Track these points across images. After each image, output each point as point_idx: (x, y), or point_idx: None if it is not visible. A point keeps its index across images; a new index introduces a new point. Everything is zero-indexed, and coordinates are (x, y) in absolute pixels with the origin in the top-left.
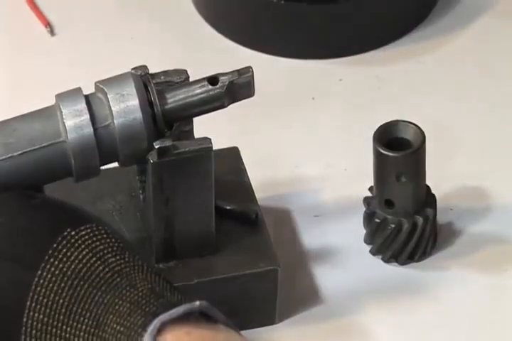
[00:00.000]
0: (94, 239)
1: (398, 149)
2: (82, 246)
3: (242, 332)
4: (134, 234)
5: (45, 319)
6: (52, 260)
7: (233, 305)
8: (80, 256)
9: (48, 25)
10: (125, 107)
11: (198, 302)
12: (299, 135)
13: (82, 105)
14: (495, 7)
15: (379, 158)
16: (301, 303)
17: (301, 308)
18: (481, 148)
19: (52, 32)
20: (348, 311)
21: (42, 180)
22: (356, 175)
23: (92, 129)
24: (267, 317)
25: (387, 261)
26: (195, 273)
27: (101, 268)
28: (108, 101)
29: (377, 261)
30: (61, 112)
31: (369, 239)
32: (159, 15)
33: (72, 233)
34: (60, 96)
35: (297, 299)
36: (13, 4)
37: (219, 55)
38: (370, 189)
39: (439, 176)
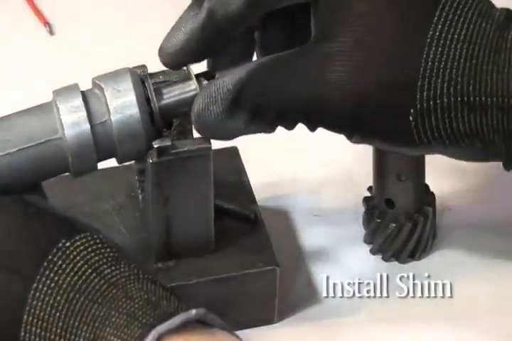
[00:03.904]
0: (89, 249)
1: None
2: (78, 258)
3: (241, 332)
4: (134, 234)
5: (43, 333)
6: (47, 272)
7: (232, 305)
8: (76, 269)
9: (47, 24)
10: (122, 103)
11: (194, 311)
12: (299, 134)
13: (79, 101)
14: None
15: (379, 158)
16: (300, 303)
17: (300, 308)
18: None
19: (51, 31)
20: (348, 311)
21: (39, 176)
22: (356, 175)
23: (89, 126)
24: (266, 317)
25: (387, 260)
26: (194, 272)
27: (96, 280)
28: (105, 97)
29: (377, 260)
30: (58, 108)
31: (369, 238)
32: (159, 14)
33: (67, 244)
34: (57, 93)
35: (296, 298)
36: (13, 3)
37: None
38: (370, 189)
39: (439, 175)
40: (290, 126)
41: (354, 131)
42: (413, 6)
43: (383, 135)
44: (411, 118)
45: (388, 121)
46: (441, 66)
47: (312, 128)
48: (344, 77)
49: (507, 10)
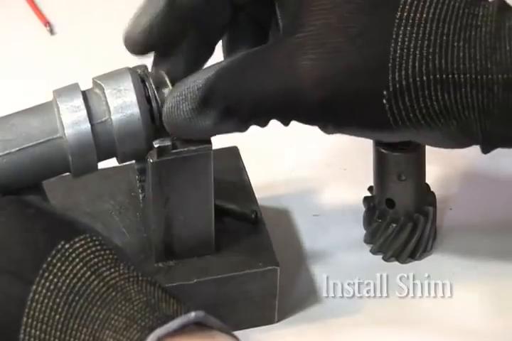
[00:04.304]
0: (89, 251)
1: (398, 148)
2: (77, 260)
3: (241, 332)
4: (134, 234)
5: (42, 335)
6: (47, 274)
7: (232, 305)
8: (75, 271)
9: (48, 24)
10: (122, 102)
11: (193, 314)
12: (298, 134)
13: (79, 101)
14: None
15: (379, 158)
16: (300, 303)
17: (300, 308)
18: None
19: (51, 31)
20: (348, 311)
21: (40, 176)
22: (356, 175)
23: (89, 125)
24: (266, 317)
25: (387, 260)
26: (194, 272)
27: (96, 282)
28: (105, 97)
29: (377, 260)
30: (58, 108)
31: (369, 238)
32: None
33: (66, 246)
34: (57, 92)
35: (296, 298)
36: (13, 3)
37: (218, 53)
38: (370, 189)
39: (439, 175)
40: (263, 123)
41: (328, 121)
42: None
43: (358, 121)
44: (384, 100)
45: (362, 105)
46: (412, 45)
47: (285, 122)
48: (316, 65)
49: None
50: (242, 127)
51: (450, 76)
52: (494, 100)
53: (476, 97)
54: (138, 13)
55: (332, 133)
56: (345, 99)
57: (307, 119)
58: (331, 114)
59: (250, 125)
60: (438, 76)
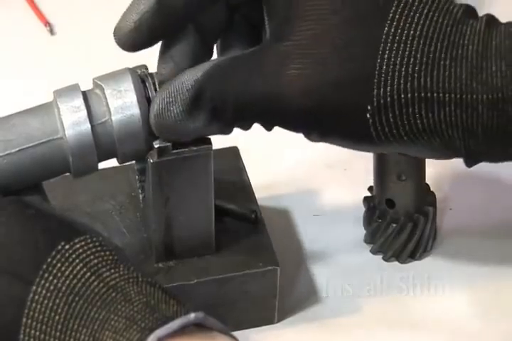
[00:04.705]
0: (89, 252)
1: None
2: (77, 261)
3: (241, 332)
4: (134, 234)
5: (42, 335)
6: (46, 275)
7: (232, 305)
8: (75, 272)
9: (48, 24)
10: (122, 103)
11: (192, 315)
12: (299, 134)
13: (80, 101)
14: None
15: (379, 158)
16: (300, 303)
17: (300, 308)
18: None
19: (52, 31)
20: (348, 311)
21: (40, 176)
22: (356, 175)
23: (89, 126)
24: (266, 317)
25: (387, 260)
26: (194, 272)
27: (96, 283)
28: (105, 98)
29: (377, 260)
30: (58, 108)
31: (369, 238)
32: None
33: (67, 247)
34: (57, 93)
35: (296, 299)
36: (13, 3)
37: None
38: (370, 189)
39: (439, 175)
40: (246, 126)
41: (312, 130)
42: (369, 2)
43: (341, 133)
44: (368, 115)
45: (346, 118)
46: (398, 62)
47: (268, 128)
48: (302, 75)
49: (466, 5)
50: (227, 129)
51: (435, 94)
52: (478, 120)
53: (460, 117)
54: (128, 9)
55: (316, 141)
56: (330, 110)
57: (292, 126)
58: (315, 123)
59: (234, 127)
60: (422, 94)
